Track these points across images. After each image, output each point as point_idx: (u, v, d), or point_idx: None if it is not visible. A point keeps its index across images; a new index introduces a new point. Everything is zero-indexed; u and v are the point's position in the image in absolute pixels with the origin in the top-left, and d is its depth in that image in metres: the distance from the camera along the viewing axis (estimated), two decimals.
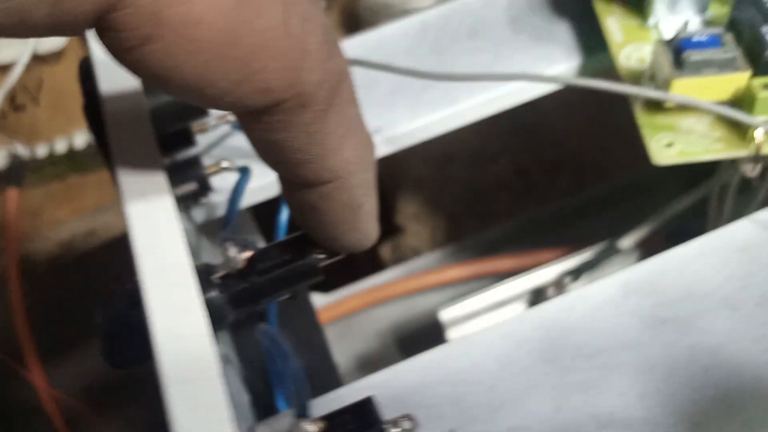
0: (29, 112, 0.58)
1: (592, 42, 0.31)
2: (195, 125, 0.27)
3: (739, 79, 0.25)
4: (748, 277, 0.25)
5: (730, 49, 0.25)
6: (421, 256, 0.53)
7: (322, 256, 0.20)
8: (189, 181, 0.24)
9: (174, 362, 0.16)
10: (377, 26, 0.34)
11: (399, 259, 0.56)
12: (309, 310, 0.29)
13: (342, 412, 0.17)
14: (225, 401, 0.15)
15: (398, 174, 0.59)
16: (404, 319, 0.49)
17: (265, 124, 0.16)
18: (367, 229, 0.19)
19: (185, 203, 0.28)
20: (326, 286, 0.50)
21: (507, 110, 0.61)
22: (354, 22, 0.68)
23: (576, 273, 0.39)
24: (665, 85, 0.25)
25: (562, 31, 0.32)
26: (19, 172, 0.58)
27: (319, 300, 0.48)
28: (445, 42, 0.33)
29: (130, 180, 0.19)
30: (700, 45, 0.25)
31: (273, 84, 0.15)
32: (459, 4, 0.34)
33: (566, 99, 0.59)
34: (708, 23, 0.29)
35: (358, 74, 0.31)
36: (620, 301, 0.25)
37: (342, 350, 0.49)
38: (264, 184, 0.29)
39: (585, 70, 0.32)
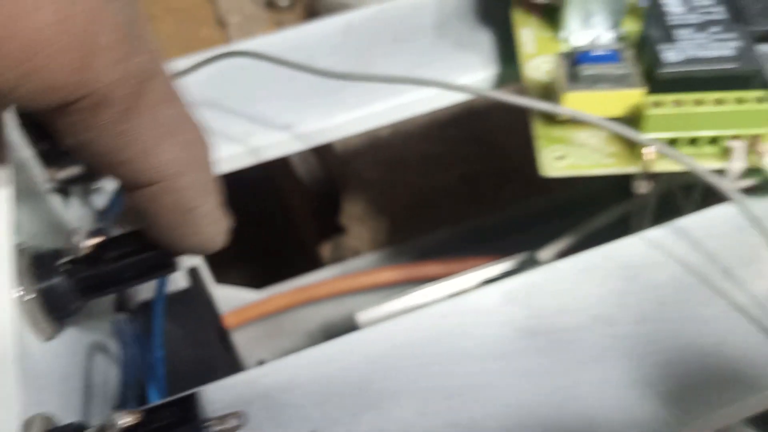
0: None
1: (511, 52, 0.31)
2: None
3: (633, 95, 0.25)
4: (628, 294, 0.25)
5: (627, 66, 0.25)
6: (359, 257, 0.53)
7: None
8: (73, 164, 0.24)
9: None
10: (301, 24, 0.34)
11: (339, 258, 0.56)
12: (205, 306, 0.29)
13: (164, 406, 0.17)
14: (15, 384, 0.15)
15: (346, 175, 0.59)
16: (335, 320, 0.49)
17: (64, 125, 0.15)
18: (207, 232, 0.18)
19: (83, 187, 0.28)
20: (260, 283, 0.50)
21: (456, 119, 0.61)
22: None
23: (494, 281, 0.39)
24: (560, 98, 0.25)
25: (485, 40, 0.32)
26: None
27: (250, 296, 0.48)
28: (368, 44, 0.33)
29: None
30: (596, 59, 0.25)
31: (57, 83, 0.14)
32: (387, 6, 0.34)
33: (519, 112, 0.59)
34: (621, 39, 0.29)
35: (276, 70, 0.31)
36: (498, 309, 0.25)
37: (271, 349, 0.49)
38: None
39: (502, 80, 0.32)
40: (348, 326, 0.45)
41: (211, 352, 0.27)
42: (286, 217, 0.71)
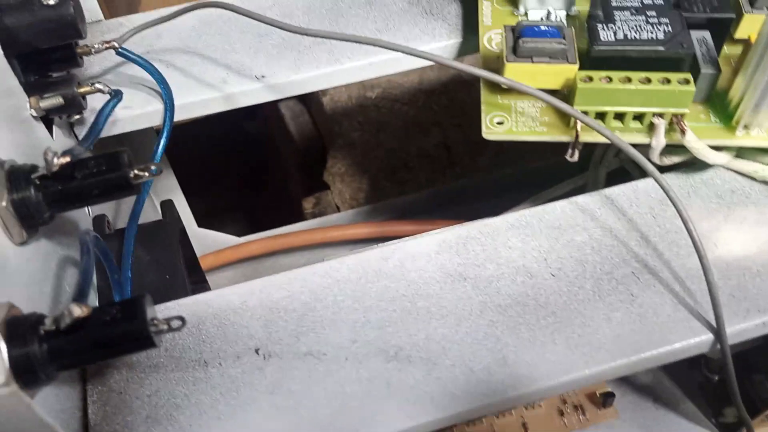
0: None
1: (474, 23, 0.33)
2: (80, 48, 0.29)
3: (568, 69, 0.27)
4: (551, 251, 0.27)
5: (566, 42, 0.27)
6: (339, 213, 0.56)
7: (139, 172, 0.22)
8: (54, 95, 0.27)
9: None
10: None
11: (320, 213, 0.59)
12: (175, 237, 0.32)
13: (112, 305, 0.19)
14: None
15: (333, 134, 0.61)
16: None
17: None
18: None
19: (65, 116, 0.30)
20: (246, 231, 0.52)
21: (443, 88, 0.63)
22: None
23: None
24: (502, 68, 0.27)
25: (452, 9, 0.35)
26: None
27: (230, 241, 0.51)
28: (343, 6, 0.35)
29: None
30: (538, 34, 0.27)
31: None
32: None
33: None
34: (572, 18, 0.31)
35: (251, 25, 0.34)
36: (433, 256, 0.27)
37: None
38: (143, 113, 0.31)
39: (465, 49, 0.34)
40: None
41: (176, 277, 0.30)
42: (276, 172, 0.73)
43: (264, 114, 0.73)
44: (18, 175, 0.21)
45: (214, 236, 0.50)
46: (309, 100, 0.66)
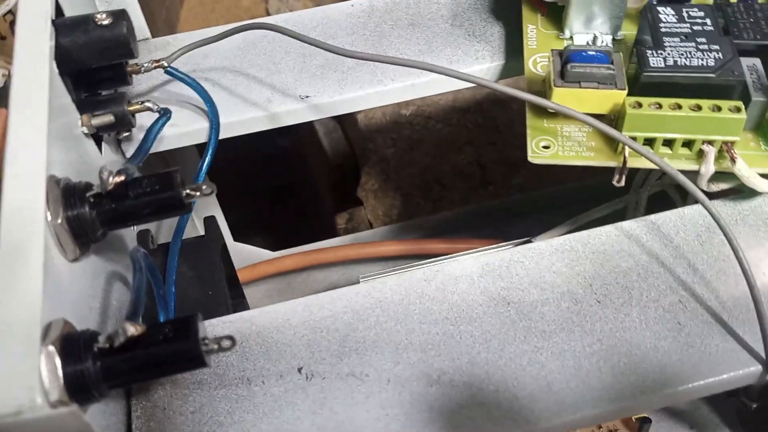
0: None
1: (518, 46, 0.33)
2: (129, 67, 0.30)
3: (617, 95, 0.27)
4: (596, 277, 0.27)
5: (614, 67, 0.27)
6: (372, 230, 0.56)
7: (191, 192, 0.22)
8: (106, 113, 0.27)
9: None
10: (331, 4, 0.37)
11: (353, 229, 0.59)
12: (217, 252, 0.32)
13: (164, 324, 0.20)
14: (40, 290, 0.18)
15: (366, 151, 0.61)
16: (342, 283, 0.52)
17: None
18: None
19: (114, 134, 0.31)
20: (279, 246, 0.53)
21: (477, 106, 0.63)
22: None
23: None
24: (550, 92, 0.27)
25: (495, 32, 0.35)
26: None
27: (264, 255, 0.51)
28: (386, 27, 0.35)
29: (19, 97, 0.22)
30: (586, 59, 0.27)
31: None
32: None
33: None
34: (618, 42, 0.31)
35: (295, 46, 0.34)
36: (476, 279, 0.27)
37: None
38: (189, 131, 0.32)
39: (508, 71, 0.34)
40: None
41: (218, 294, 0.30)
42: (308, 187, 0.74)
43: (297, 130, 0.73)
44: (73, 193, 0.22)
45: (249, 250, 0.51)
46: (343, 117, 0.67)
